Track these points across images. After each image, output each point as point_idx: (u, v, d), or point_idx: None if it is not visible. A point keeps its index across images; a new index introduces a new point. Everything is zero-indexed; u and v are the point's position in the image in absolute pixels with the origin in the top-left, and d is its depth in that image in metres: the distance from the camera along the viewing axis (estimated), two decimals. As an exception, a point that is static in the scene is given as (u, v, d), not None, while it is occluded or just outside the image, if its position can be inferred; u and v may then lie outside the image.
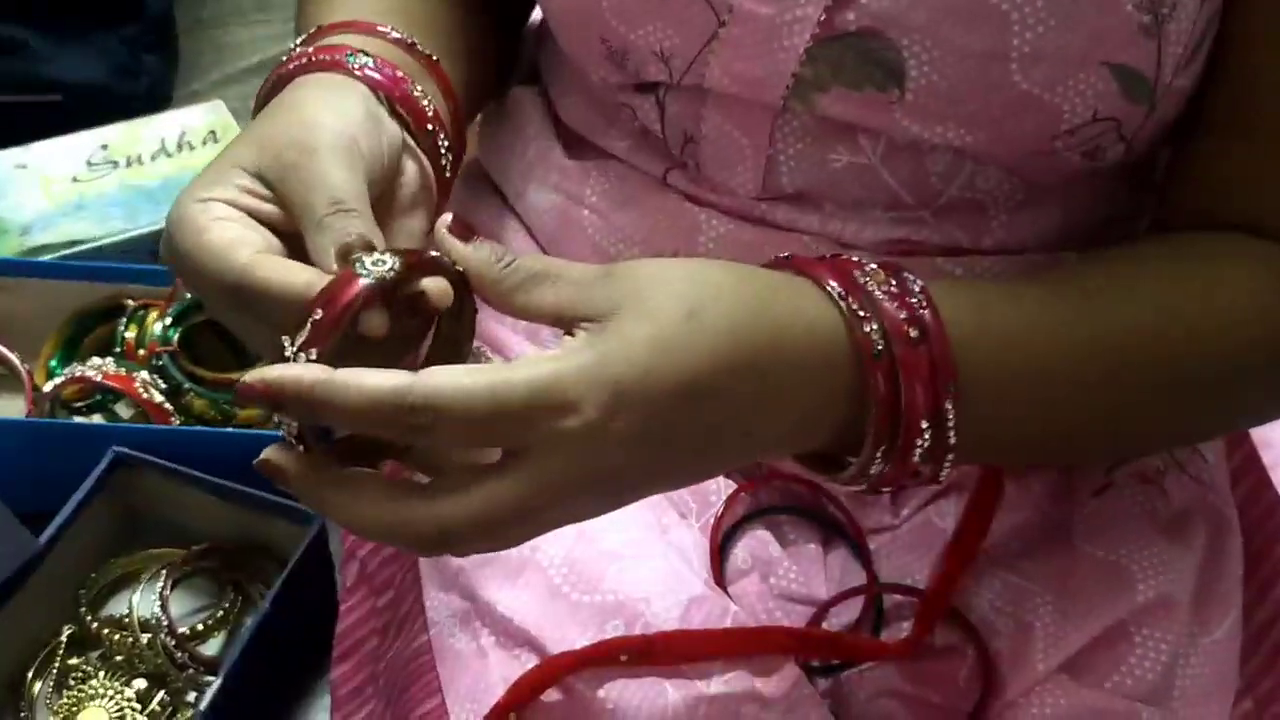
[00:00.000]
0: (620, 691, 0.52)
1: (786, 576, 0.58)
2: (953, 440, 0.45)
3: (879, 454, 0.44)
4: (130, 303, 0.87)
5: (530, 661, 0.54)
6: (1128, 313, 0.49)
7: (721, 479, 0.59)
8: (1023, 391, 0.48)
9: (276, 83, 0.51)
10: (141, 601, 0.76)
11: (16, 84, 1.34)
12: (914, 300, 0.44)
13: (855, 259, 0.46)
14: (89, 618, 0.75)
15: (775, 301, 0.44)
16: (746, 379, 0.42)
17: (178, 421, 0.83)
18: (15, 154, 1.06)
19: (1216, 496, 0.60)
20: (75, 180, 1.04)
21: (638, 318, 0.41)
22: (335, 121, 0.46)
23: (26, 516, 0.73)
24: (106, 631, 0.75)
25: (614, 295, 0.41)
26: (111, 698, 0.72)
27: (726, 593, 0.56)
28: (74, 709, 0.71)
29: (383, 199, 0.48)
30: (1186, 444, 0.59)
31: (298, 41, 0.53)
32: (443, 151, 0.52)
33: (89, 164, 1.05)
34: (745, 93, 0.53)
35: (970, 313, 0.46)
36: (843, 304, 0.44)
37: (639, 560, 0.55)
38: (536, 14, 0.69)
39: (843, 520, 0.59)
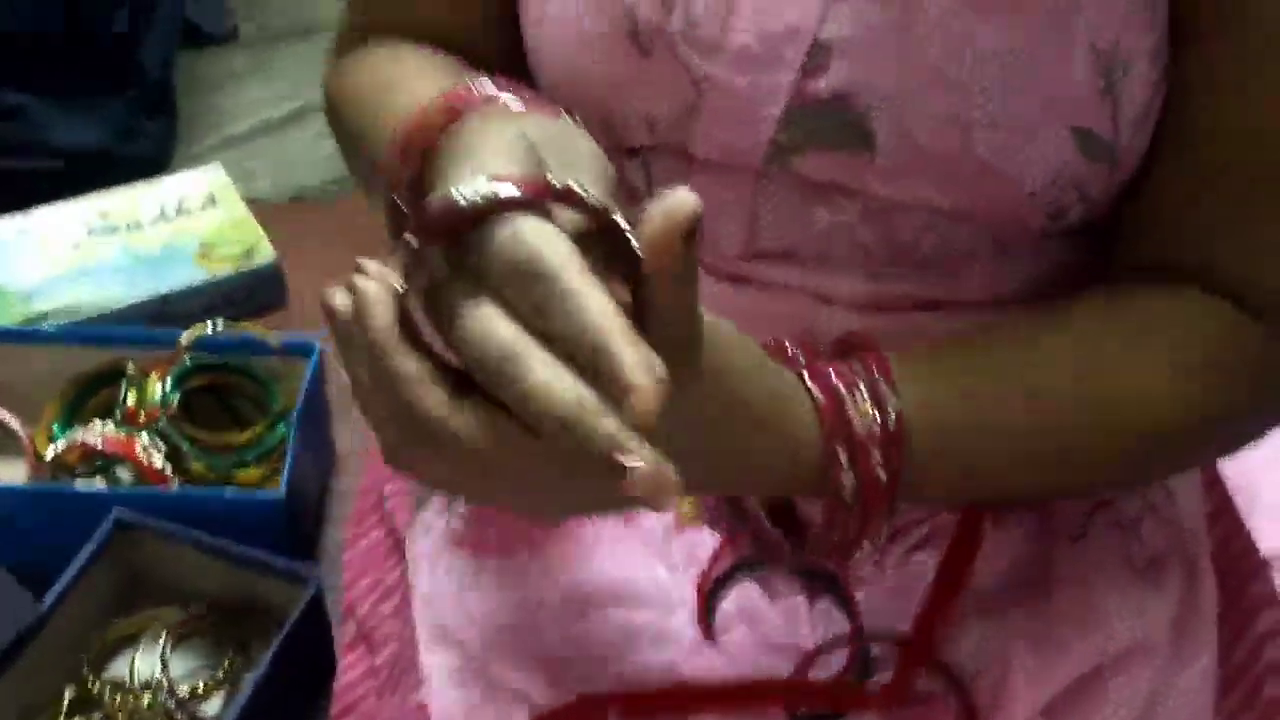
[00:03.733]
0: (610, 746, 0.53)
1: (773, 627, 0.59)
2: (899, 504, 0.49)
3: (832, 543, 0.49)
4: (131, 367, 0.89)
5: (524, 716, 0.55)
6: (1059, 387, 0.53)
7: (708, 532, 0.61)
8: (960, 470, 0.52)
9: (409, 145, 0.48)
10: (142, 663, 0.77)
11: (17, 149, 1.36)
12: (892, 429, 0.48)
13: (847, 371, 0.49)
14: (91, 679, 0.76)
15: (773, 415, 0.47)
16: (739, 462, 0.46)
17: (177, 484, 0.84)
18: (17, 221, 1.08)
19: (1191, 540, 0.61)
20: (76, 247, 1.06)
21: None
22: (576, 129, 0.46)
23: (29, 579, 0.75)
24: (108, 692, 0.76)
25: None
26: (114, 759, 0.73)
27: (715, 644, 0.58)
28: (77, 771, 0.72)
29: None
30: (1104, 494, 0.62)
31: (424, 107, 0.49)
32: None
33: (89, 231, 1.07)
34: (727, 159, 0.55)
35: (930, 414, 0.50)
36: (828, 445, 0.48)
37: (629, 613, 0.57)
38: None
39: (827, 570, 0.60)
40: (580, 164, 0.42)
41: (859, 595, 0.59)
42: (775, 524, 0.53)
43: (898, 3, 0.51)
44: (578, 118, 0.50)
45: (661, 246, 0.37)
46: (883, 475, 0.48)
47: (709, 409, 0.43)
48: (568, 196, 0.37)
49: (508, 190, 0.36)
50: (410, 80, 0.58)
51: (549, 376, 0.35)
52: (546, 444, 0.36)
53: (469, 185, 0.36)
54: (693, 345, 0.40)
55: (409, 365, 0.37)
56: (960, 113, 0.51)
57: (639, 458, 0.34)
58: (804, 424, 0.47)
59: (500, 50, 0.61)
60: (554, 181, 0.38)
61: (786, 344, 0.52)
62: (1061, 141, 0.51)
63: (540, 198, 0.37)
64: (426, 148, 0.45)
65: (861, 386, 0.49)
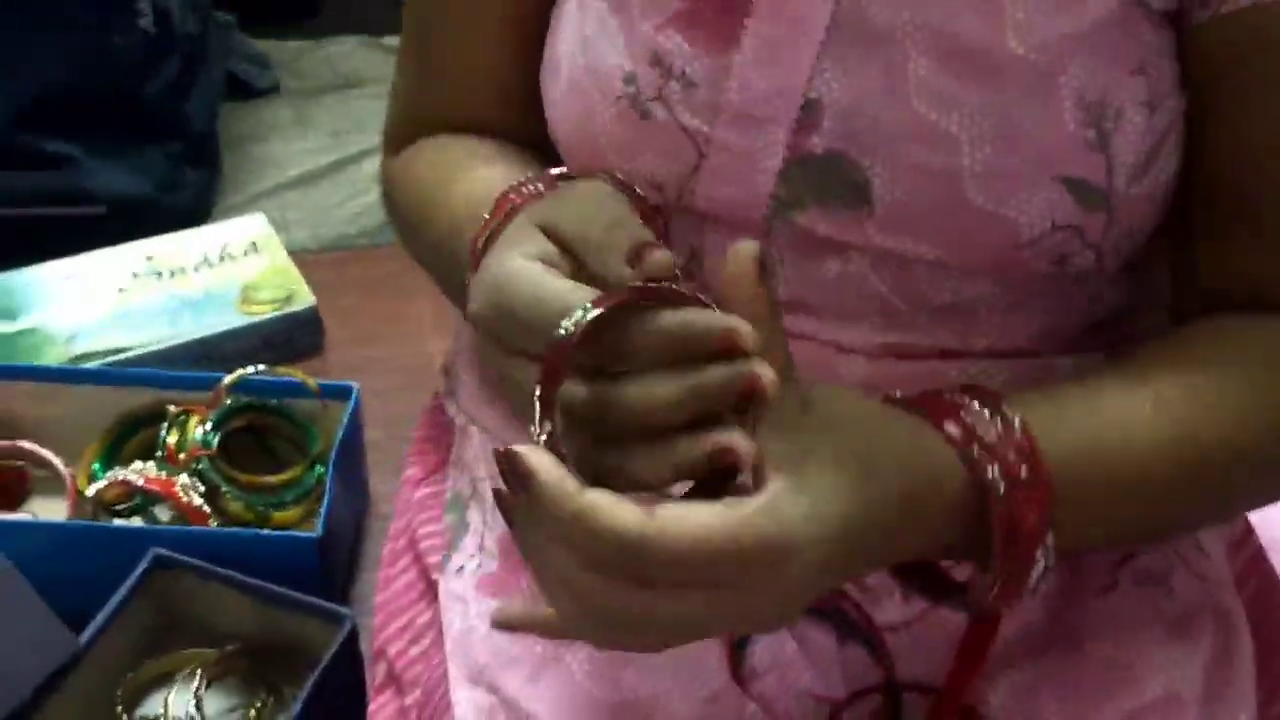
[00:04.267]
0: (641, 788, 0.53)
1: (803, 675, 0.59)
2: (1050, 562, 0.49)
3: (996, 582, 0.48)
4: (172, 408, 0.90)
5: (554, 758, 0.55)
6: (1190, 423, 0.53)
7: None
8: (1102, 500, 0.52)
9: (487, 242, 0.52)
10: (176, 701, 0.78)
11: (63, 197, 1.40)
12: (1018, 438, 0.48)
13: (958, 400, 0.49)
14: (125, 717, 0.77)
15: (915, 451, 0.48)
16: (901, 522, 0.46)
17: (215, 523, 0.85)
18: (64, 265, 1.10)
19: (1223, 594, 0.61)
20: (120, 291, 1.08)
21: (829, 468, 0.43)
22: (592, 182, 0.51)
23: (66, 616, 0.75)
24: (141, 730, 0.76)
25: (804, 440, 0.43)
26: (146, 796, 0.73)
27: (745, 691, 0.58)
28: (109, 807, 0.73)
29: None
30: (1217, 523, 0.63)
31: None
32: (666, 234, 0.57)
33: (134, 275, 1.10)
34: (730, 214, 0.57)
35: (1064, 435, 0.50)
36: (964, 449, 0.48)
37: (659, 658, 0.57)
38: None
39: (857, 618, 0.61)
40: (588, 217, 0.47)
41: (889, 643, 0.60)
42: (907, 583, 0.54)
43: (882, 63, 0.52)
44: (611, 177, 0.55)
45: (740, 282, 0.42)
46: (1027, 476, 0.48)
47: (855, 445, 0.44)
48: (643, 293, 0.43)
49: (594, 309, 0.42)
50: (465, 172, 0.62)
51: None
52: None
53: (568, 319, 0.42)
54: (791, 382, 0.43)
55: (594, 496, 0.40)
56: (952, 165, 0.52)
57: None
58: (940, 454, 0.47)
59: (536, 134, 0.64)
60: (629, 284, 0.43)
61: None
62: (1054, 191, 0.52)
63: (620, 302, 0.42)
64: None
65: (979, 406, 0.49)
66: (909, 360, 0.58)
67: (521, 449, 0.41)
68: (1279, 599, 0.66)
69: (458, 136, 0.67)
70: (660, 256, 0.44)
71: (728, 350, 0.41)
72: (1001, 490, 0.47)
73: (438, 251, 0.63)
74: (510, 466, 0.41)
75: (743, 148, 0.55)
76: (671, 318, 0.42)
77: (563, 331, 0.42)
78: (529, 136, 0.65)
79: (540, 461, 0.40)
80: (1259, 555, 0.68)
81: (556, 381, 0.42)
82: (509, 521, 0.43)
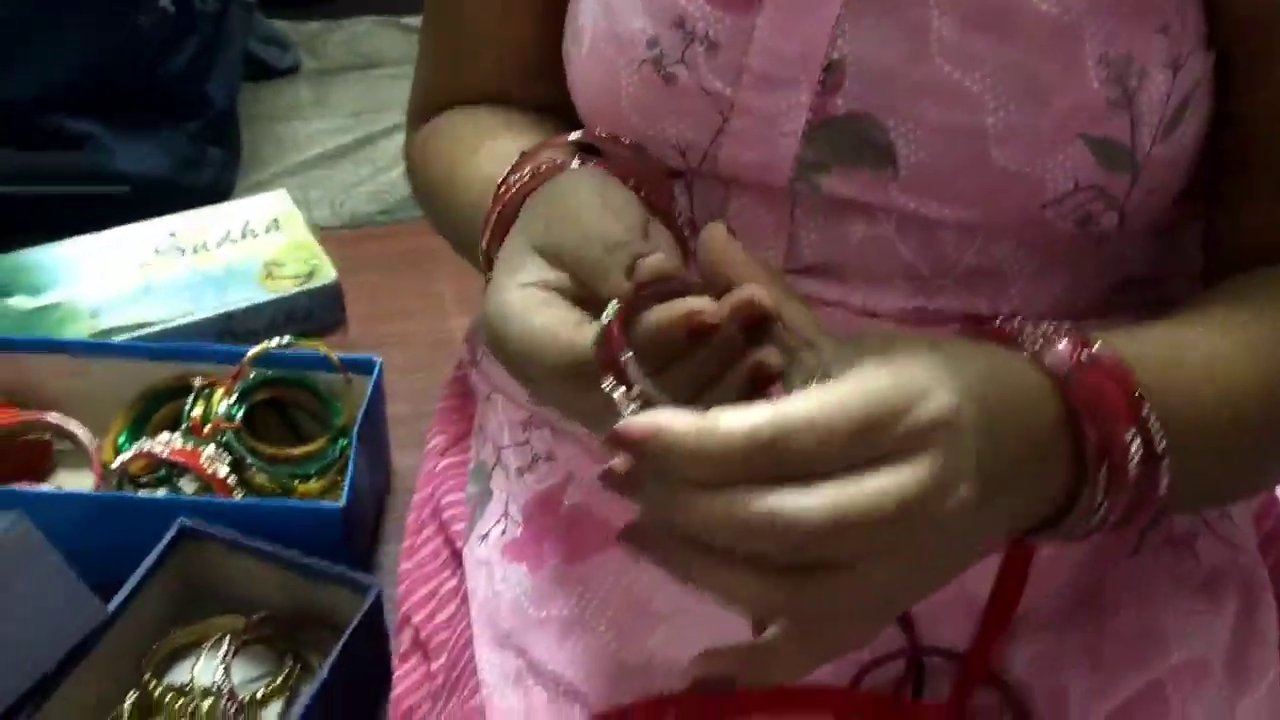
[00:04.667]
0: (667, 748, 0.54)
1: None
2: (1162, 445, 0.45)
3: (1101, 476, 0.44)
4: (197, 381, 0.91)
5: (583, 718, 0.56)
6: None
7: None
8: (1211, 421, 0.49)
9: (506, 205, 0.53)
10: (203, 669, 0.78)
11: (86, 175, 1.40)
12: (1069, 330, 0.46)
13: (1017, 324, 0.47)
14: (152, 684, 0.77)
15: (993, 360, 0.45)
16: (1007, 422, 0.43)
17: (240, 495, 0.86)
18: (87, 241, 1.11)
19: (1248, 559, 0.61)
20: (144, 266, 1.08)
21: (921, 346, 0.41)
22: (588, 186, 0.50)
23: (95, 586, 0.76)
24: (169, 698, 0.77)
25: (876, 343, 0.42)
26: (174, 762, 0.74)
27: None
28: (138, 772, 0.74)
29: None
30: None
31: (505, 172, 0.55)
32: (678, 213, 0.56)
33: (157, 251, 1.10)
34: (755, 178, 0.57)
35: (1150, 346, 0.48)
36: (1025, 341, 0.46)
37: (685, 620, 0.57)
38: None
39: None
40: (583, 237, 0.47)
41: (913, 608, 0.60)
42: None
43: (904, 22, 0.52)
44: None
45: (729, 256, 0.43)
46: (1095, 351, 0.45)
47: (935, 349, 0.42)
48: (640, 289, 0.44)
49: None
50: (488, 143, 0.63)
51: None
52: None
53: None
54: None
55: (716, 412, 0.37)
56: (975, 125, 0.52)
57: None
58: (1013, 362, 0.45)
59: (557, 101, 0.64)
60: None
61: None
62: (1078, 150, 0.52)
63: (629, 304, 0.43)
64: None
65: (1062, 333, 0.46)
66: (936, 325, 0.58)
67: (625, 422, 0.38)
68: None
69: (481, 108, 0.67)
70: (652, 262, 0.44)
71: (749, 322, 0.42)
72: (1067, 371, 0.44)
73: (457, 229, 0.63)
74: (624, 441, 0.37)
75: (766, 110, 0.55)
76: (679, 304, 0.42)
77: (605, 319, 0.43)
78: (554, 107, 0.65)
79: (653, 417, 0.37)
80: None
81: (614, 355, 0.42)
82: (648, 512, 0.39)
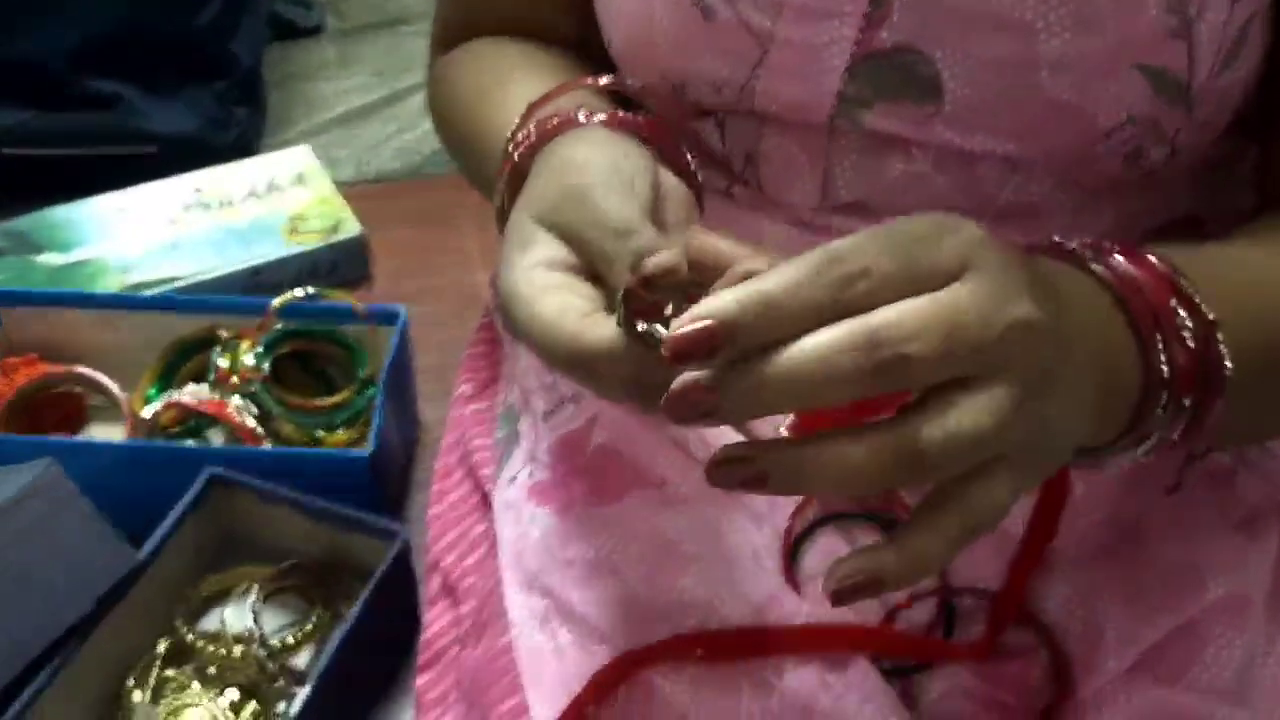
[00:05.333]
0: (694, 686, 0.53)
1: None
2: (1212, 316, 0.44)
3: (1160, 350, 0.43)
4: (224, 334, 0.91)
5: (607, 658, 0.55)
6: None
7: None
8: (1264, 337, 0.48)
9: (516, 165, 0.53)
10: (234, 616, 0.79)
11: (115, 136, 1.40)
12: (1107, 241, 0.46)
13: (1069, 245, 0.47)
14: (184, 630, 0.78)
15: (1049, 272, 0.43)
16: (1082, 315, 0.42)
17: (268, 444, 0.86)
18: (115, 198, 1.11)
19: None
20: (172, 222, 1.09)
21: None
22: (599, 157, 0.48)
23: (127, 534, 0.77)
24: (201, 644, 0.77)
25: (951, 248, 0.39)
26: (206, 707, 0.74)
27: (800, 593, 0.58)
28: (171, 717, 0.74)
29: (657, 219, 0.48)
30: None
31: (515, 124, 0.55)
32: (690, 162, 0.54)
33: (184, 207, 1.10)
34: (794, 115, 0.56)
35: (1196, 255, 0.47)
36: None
37: (713, 562, 0.57)
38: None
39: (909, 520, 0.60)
40: (593, 219, 0.46)
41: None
42: None
43: None
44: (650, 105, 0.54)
45: (710, 251, 0.42)
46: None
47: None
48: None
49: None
50: (504, 86, 0.61)
51: None
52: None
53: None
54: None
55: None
56: (1027, 55, 0.50)
57: None
58: (1084, 280, 0.44)
59: (580, 34, 0.64)
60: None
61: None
62: (1133, 81, 0.51)
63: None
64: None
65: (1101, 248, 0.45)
66: None
67: (679, 329, 0.36)
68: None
69: (500, 41, 0.67)
70: (658, 261, 0.42)
71: None
72: (1093, 253, 0.44)
73: (476, 175, 0.63)
74: (690, 340, 0.36)
75: (808, 44, 0.53)
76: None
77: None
78: (580, 39, 0.65)
79: (705, 305, 0.36)
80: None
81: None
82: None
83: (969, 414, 0.36)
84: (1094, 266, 0.45)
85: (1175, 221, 0.59)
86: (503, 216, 0.52)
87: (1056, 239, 0.46)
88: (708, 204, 0.62)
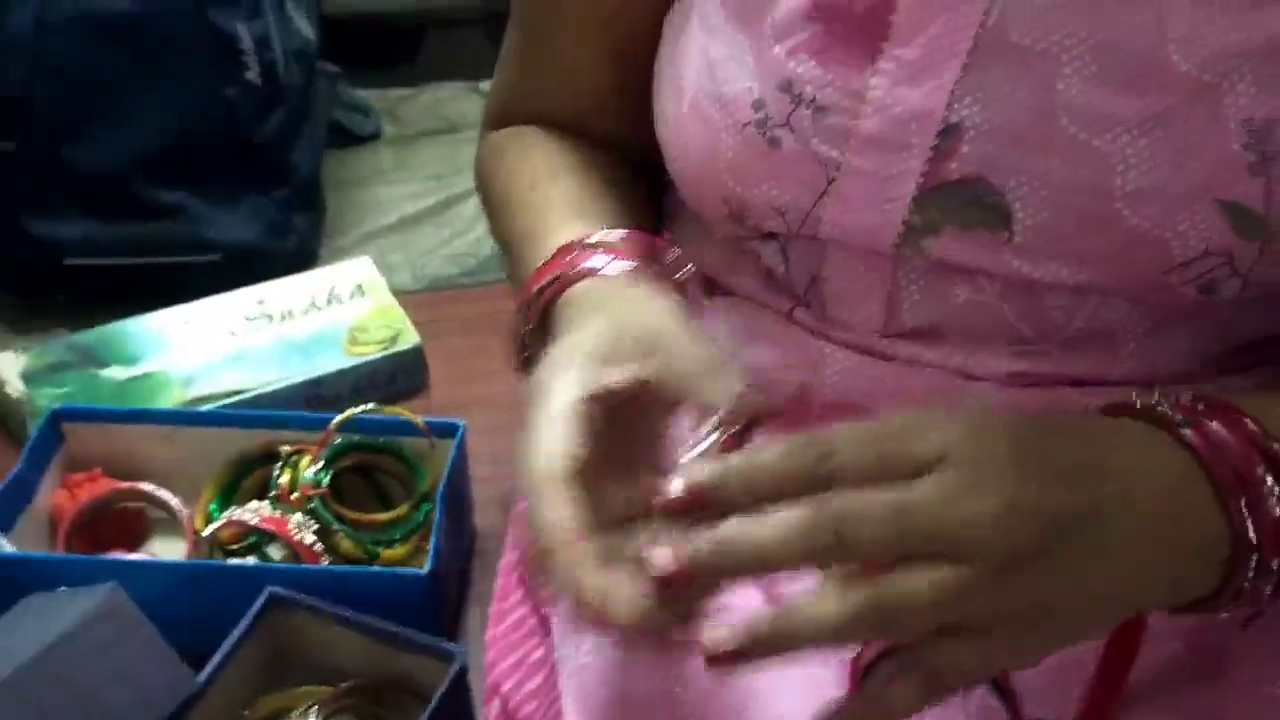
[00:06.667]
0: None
1: (928, 712, 0.57)
2: None
3: (1246, 514, 0.44)
4: (285, 449, 0.92)
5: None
6: None
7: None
8: None
9: (547, 304, 0.56)
10: (292, 738, 0.78)
11: (178, 245, 1.44)
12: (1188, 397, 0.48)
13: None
14: (243, 753, 0.77)
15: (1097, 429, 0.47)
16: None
17: (327, 561, 0.86)
18: (180, 312, 1.13)
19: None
20: (233, 334, 1.10)
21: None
22: (659, 302, 0.53)
23: (185, 655, 0.77)
24: (259, 767, 0.77)
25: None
26: (264, 832, 0.74)
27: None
28: (229, 843, 0.73)
29: None
30: None
31: (541, 265, 0.58)
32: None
33: (246, 319, 1.12)
34: (858, 241, 0.56)
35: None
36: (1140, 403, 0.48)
37: (778, 695, 0.56)
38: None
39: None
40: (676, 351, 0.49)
41: (1013, 680, 0.58)
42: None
43: (1028, 83, 0.51)
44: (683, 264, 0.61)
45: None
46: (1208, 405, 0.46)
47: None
48: None
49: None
50: (538, 206, 0.65)
51: None
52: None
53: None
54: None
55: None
56: (1103, 185, 0.50)
57: None
58: (1177, 460, 0.45)
59: (618, 133, 0.67)
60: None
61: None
62: (1210, 214, 0.50)
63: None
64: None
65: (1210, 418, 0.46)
66: (1039, 388, 0.56)
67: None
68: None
69: (551, 140, 0.69)
70: (750, 399, 0.49)
71: None
72: (1180, 418, 0.46)
73: (511, 267, 0.66)
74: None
75: (875, 174, 0.54)
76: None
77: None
78: (621, 139, 0.68)
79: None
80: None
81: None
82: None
83: (926, 584, 0.41)
84: (1183, 431, 0.45)
85: (1254, 342, 0.58)
86: (520, 348, 0.56)
87: (1148, 400, 0.48)
88: (771, 327, 0.62)
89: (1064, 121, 0.50)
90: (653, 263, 0.58)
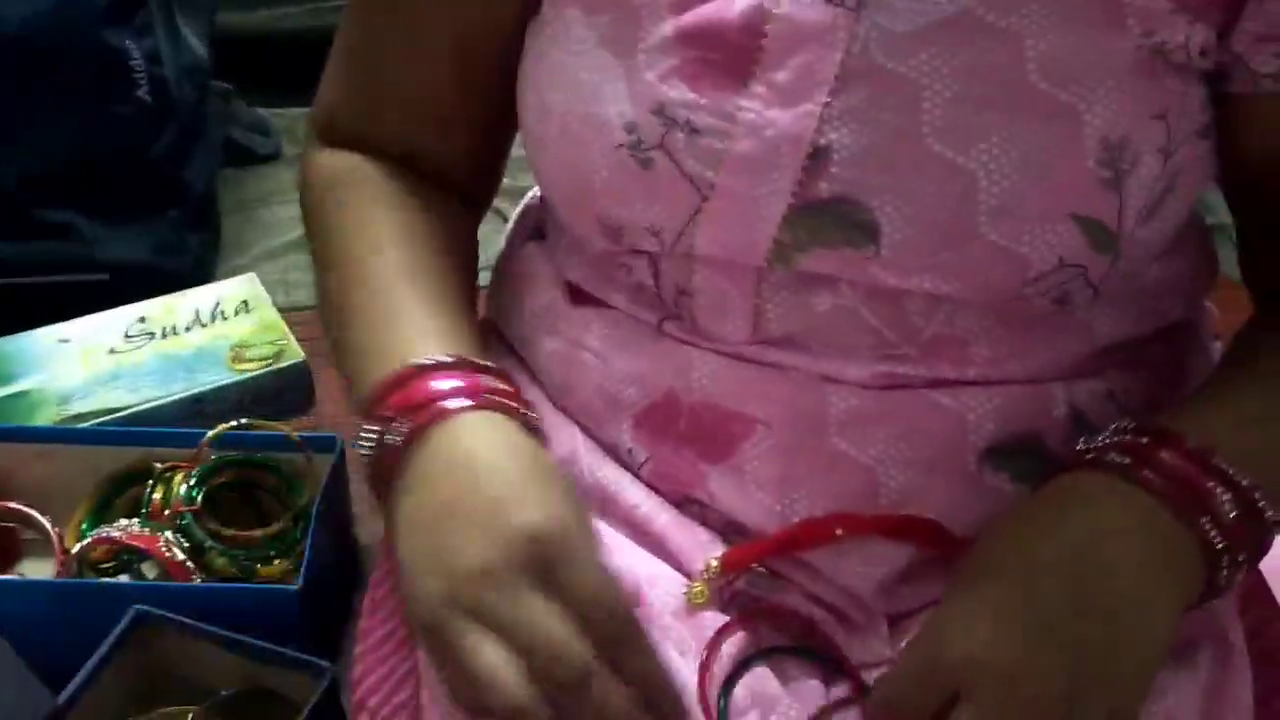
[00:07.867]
0: None
1: (787, 714, 0.57)
2: (1246, 482, 0.52)
3: (1209, 528, 0.52)
4: (158, 465, 0.90)
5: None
6: None
7: (717, 615, 0.59)
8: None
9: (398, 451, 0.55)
10: (158, 759, 0.77)
11: (67, 264, 1.40)
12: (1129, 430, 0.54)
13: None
14: (107, 777, 0.75)
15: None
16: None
17: (199, 579, 0.84)
18: (59, 329, 1.11)
19: (1225, 622, 0.59)
20: (112, 352, 1.08)
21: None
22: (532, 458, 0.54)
23: (53, 676, 0.75)
24: (123, 791, 0.75)
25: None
26: None
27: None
28: None
29: None
30: None
31: (387, 381, 0.56)
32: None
33: (126, 336, 1.10)
34: (729, 258, 0.56)
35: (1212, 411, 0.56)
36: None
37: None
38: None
39: (841, 655, 0.59)
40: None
41: (872, 680, 0.58)
42: None
43: (894, 104, 0.52)
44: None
45: None
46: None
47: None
48: None
49: None
50: (373, 286, 0.62)
51: None
52: None
53: None
54: None
55: None
56: (966, 201, 0.52)
57: None
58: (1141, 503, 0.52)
59: (471, 160, 0.67)
60: None
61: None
62: (1067, 229, 0.52)
63: None
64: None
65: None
66: (900, 390, 0.57)
67: None
68: (1278, 631, 0.64)
69: (380, 189, 0.66)
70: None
71: None
72: (1127, 462, 0.52)
73: (338, 351, 0.64)
74: None
75: (746, 194, 0.54)
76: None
77: None
78: (463, 163, 0.67)
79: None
80: (1260, 585, 0.67)
81: None
82: None
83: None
84: (1134, 474, 0.52)
85: (1106, 348, 0.60)
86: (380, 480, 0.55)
87: (1090, 446, 0.55)
88: (640, 337, 0.62)
89: (929, 140, 0.52)
90: (498, 387, 0.57)
